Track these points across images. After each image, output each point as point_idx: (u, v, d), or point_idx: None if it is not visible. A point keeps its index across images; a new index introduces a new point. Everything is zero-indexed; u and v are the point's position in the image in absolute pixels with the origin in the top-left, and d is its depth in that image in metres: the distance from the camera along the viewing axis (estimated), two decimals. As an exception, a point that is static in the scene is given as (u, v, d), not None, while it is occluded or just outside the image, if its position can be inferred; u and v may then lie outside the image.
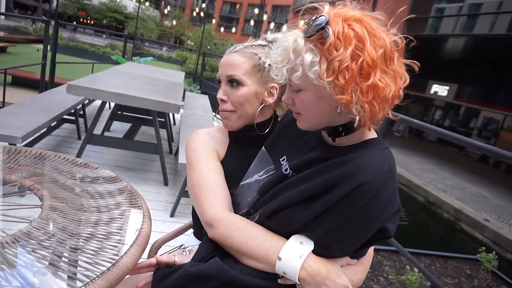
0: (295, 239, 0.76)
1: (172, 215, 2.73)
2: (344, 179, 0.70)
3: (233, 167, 1.02)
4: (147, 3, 40.88)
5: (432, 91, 17.87)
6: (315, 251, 0.75)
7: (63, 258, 0.79)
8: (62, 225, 0.89)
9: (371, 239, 0.76)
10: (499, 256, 4.62)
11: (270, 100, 1.03)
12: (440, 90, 17.50)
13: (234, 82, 1.01)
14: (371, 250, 0.92)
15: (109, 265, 0.77)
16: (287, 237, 0.77)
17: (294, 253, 0.74)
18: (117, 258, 0.79)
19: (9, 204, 1.00)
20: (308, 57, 0.71)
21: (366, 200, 0.68)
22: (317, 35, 0.70)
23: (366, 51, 0.67)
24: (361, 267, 0.85)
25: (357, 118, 0.71)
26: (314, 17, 0.72)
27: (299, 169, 0.83)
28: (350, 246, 0.76)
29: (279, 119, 1.04)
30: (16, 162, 1.23)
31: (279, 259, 0.75)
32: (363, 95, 0.68)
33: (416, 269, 3.58)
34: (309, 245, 0.75)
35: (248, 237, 0.80)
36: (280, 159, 0.90)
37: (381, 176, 0.69)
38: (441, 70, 16.98)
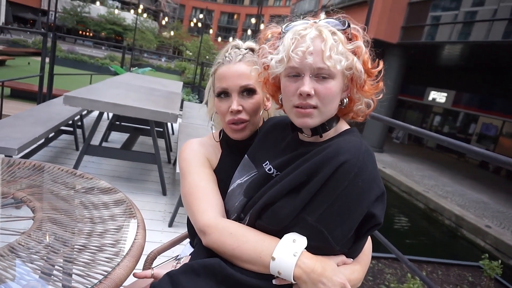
0: (287, 238, 0.75)
1: (170, 225, 2.71)
2: (326, 162, 0.72)
3: (227, 175, 1.01)
4: (145, 15, 41.34)
5: (430, 98, 17.93)
6: (310, 246, 0.74)
7: (55, 271, 0.77)
8: (54, 237, 0.87)
9: (362, 229, 0.76)
10: (501, 262, 4.56)
11: (269, 105, 1.07)
12: (438, 96, 17.55)
13: (248, 91, 1.00)
14: (368, 250, 0.90)
15: (101, 277, 0.75)
16: (280, 236, 0.76)
17: (287, 252, 0.73)
18: (110, 270, 0.78)
19: (3, 216, 0.99)
20: (349, 46, 0.78)
21: (350, 178, 0.71)
22: (345, 29, 0.80)
23: (367, 54, 0.81)
24: (358, 266, 0.83)
25: (368, 110, 0.85)
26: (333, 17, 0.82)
27: (281, 167, 0.84)
28: (343, 232, 0.74)
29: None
30: (11, 174, 1.21)
31: (273, 259, 0.74)
32: (374, 87, 0.83)
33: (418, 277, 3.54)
34: (302, 243, 0.74)
35: (240, 241, 0.78)
36: (263, 164, 0.91)
37: (360, 154, 0.73)
38: (438, 77, 17.06)
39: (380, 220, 0.76)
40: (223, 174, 1.02)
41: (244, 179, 0.93)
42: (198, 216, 0.88)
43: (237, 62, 1.01)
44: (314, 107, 0.78)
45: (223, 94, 1.02)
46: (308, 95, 0.76)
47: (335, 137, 0.83)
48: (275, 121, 0.99)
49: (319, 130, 0.83)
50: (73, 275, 0.76)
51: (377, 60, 0.84)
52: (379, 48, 0.84)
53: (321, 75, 0.77)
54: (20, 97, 8.18)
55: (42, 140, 3.38)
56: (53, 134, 3.63)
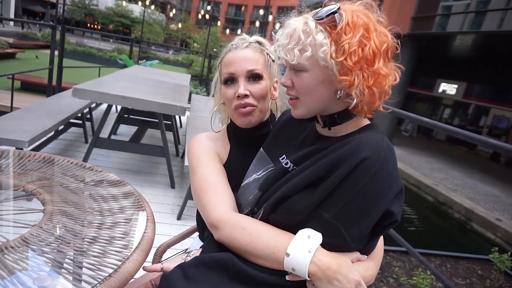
0: (302, 234, 0.74)
1: (179, 218, 2.72)
2: (346, 158, 0.71)
3: (237, 170, 1.00)
4: (153, 7, 41.26)
5: (440, 90, 17.68)
6: (325, 243, 0.73)
7: (65, 264, 0.77)
8: (64, 230, 0.88)
9: (378, 226, 0.75)
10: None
11: (276, 94, 1.06)
12: (448, 88, 17.30)
13: (255, 77, 0.99)
14: (381, 245, 0.89)
15: (111, 270, 0.75)
16: (294, 232, 0.75)
17: (302, 248, 0.72)
18: (120, 264, 0.78)
19: (12, 209, 0.99)
20: (320, 37, 0.75)
21: (371, 175, 0.70)
22: (328, 18, 0.75)
23: (372, 40, 0.74)
24: (372, 264, 0.82)
25: (354, 102, 0.75)
26: (324, 3, 0.77)
27: (299, 162, 0.83)
28: (360, 230, 0.73)
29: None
30: (22, 167, 1.22)
31: (287, 255, 0.72)
32: (365, 80, 0.74)
33: (428, 271, 3.52)
34: (317, 239, 0.72)
35: (253, 236, 0.77)
36: (279, 158, 0.89)
37: (382, 151, 0.72)
38: (449, 69, 16.78)
39: (397, 217, 0.75)
40: (232, 169, 1.01)
41: (261, 174, 0.91)
42: (210, 211, 0.87)
43: (243, 48, 1.01)
44: (296, 98, 0.82)
45: (230, 80, 1.00)
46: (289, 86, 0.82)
47: (356, 132, 0.81)
48: (291, 115, 0.97)
49: (326, 122, 0.82)
50: (83, 268, 0.76)
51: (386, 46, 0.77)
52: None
53: (294, 68, 0.80)
54: (30, 90, 8.25)
55: (52, 133, 3.41)
56: (62, 127, 3.66)
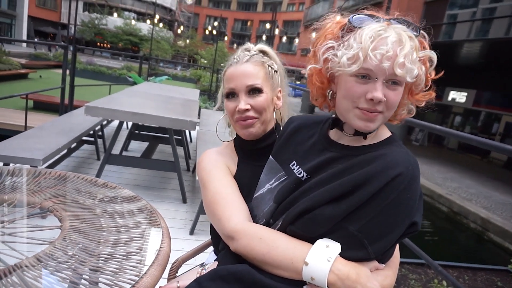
0: (320, 243, 0.73)
1: (191, 232, 2.71)
2: (376, 176, 0.71)
3: (247, 181, 1.01)
4: (161, 25, 42.09)
5: (449, 98, 17.53)
6: (346, 255, 0.72)
7: (83, 280, 0.77)
8: (81, 246, 0.88)
9: (400, 236, 0.74)
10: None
11: (280, 104, 1.08)
12: (458, 96, 17.14)
13: (255, 91, 1.01)
14: (397, 253, 0.88)
15: (129, 286, 0.75)
16: (312, 243, 0.74)
17: (321, 257, 0.71)
18: (137, 279, 0.77)
19: (30, 226, 1.00)
20: (421, 54, 0.76)
21: (399, 191, 0.70)
22: (420, 35, 0.79)
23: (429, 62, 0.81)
24: (390, 272, 0.81)
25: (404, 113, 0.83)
26: (401, 18, 0.79)
27: (314, 170, 0.82)
28: (385, 244, 0.73)
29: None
30: (37, 184, 1.24)
31: (306, 264, 0.72)
32: (425, 97, 0.82)
33: (444, 283, 3.43)
34: (336, 248, 0.72)
35: (271, 246, 0.77)
36: (290, 165, 0.89)
37: (411, 167, 0.72)
38: (458, 77, 16.65)
39: (419, 227, 0.75)
40: (242, 180, 1.02)
41: (274, 184, 0.91)
42: (225, 223, 0.86)
43: (244, 63, 1.03)
44: (380, 112, 0.75)
45: (231, 94, 1.03)
46: (380, 101, 0.73)
47: (378, 144, 0.80)
48: (300, 122, 0.97)
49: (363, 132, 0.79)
50: (101, 284, 0.76)
51: (434, 69, 0.81)
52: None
53: (392, 81, 0.73)
54: (42, 109, 8.41)
55: (65, 151, 3.45)
56: (75, 144, 3.71)
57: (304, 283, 0.74)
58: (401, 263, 4.59)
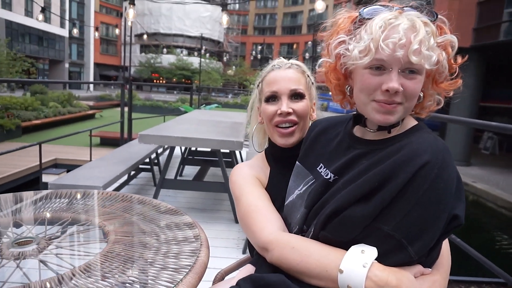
0: (355, 249, 0.68)
1: (244, 251, 2.71)
2: (401, 166, 0.66)
3: (279, 192, 0.99)
4: (208, 56, 44.24)
5: (519, 100, 16.05)
6: (385, 259, 0.67)
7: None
8: (124, 258, 0.92)
9: (441, 232, 0.67)
10: None
11: (314, 115, 1.07)
12: (528, 98, 15.65)
13: (297, 96, 1.01)
14: (447, 253, 0.80)
15: (165, 292, 0.76)
16: (347, 249, 0.70)
17: (356, 263, 0.66)
18: (172, 286, 0.78)
19: (81, 241, 1.07)
20: (440, 39, 0.72)
21: (431, 180, 0.64)
22: (439, 20, 0.75)
23: (451, 47, 0.75)
24: (438, 277, 0.73)
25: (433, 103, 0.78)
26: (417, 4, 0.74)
27: (341, 170, 0.78)
28: (425, 242, 0.66)
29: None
30: (102, 205, 1.32)
31: (341, 271, 0.67)
32: (452, 86, 0.77)
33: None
34: (372, 253, 0.67)
35: (304, 255, 0.74)
36: (317, 168, 0.86)
37: (440, 153, 0.67)
38: (526, 76, 15.28)
39: (462, 221, 0.68)
40: (274, 191, 1.01)
41: (302, 189, 0.88)
42: (258, 234, 0.85)
43: (286, 69, 1.04)
44: (399, 103, 0.71)
45: (272, 98, 1.02)
46: (396, 92, 0.69)
47: (403, 134, 0.75)
48: (324, 124, 0.95)
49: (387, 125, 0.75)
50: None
51: (457, 55, 0.76)
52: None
53: (408, 69, 0.70)
54: (107, 144, 9.16)
55: (125, 178, 3.68)
56: (133, 172, 3.94)
57: None
58: (479, 282, 4.16)
